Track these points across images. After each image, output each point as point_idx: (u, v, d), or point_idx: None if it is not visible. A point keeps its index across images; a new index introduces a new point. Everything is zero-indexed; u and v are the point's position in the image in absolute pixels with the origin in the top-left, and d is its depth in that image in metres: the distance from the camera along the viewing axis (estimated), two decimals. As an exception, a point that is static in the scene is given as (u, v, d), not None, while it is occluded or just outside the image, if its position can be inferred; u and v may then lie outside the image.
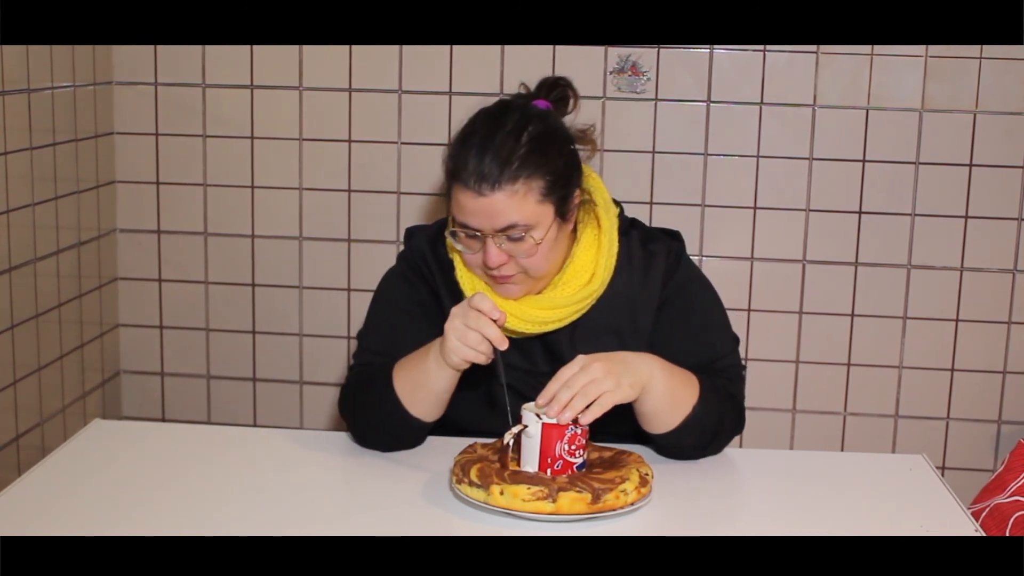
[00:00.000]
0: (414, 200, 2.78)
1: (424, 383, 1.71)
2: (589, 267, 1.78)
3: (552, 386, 1.58)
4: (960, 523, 1.58)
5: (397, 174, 2.77)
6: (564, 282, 1.77)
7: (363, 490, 1.66)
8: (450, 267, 1.84)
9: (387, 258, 2.79)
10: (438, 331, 1.79)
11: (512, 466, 1.59)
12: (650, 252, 1.83)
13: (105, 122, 2.77)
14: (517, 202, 1.66)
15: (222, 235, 2.84)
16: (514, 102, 1.78)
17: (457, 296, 1.82)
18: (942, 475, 1.98)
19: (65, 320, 2.62)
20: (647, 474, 1.58)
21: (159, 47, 2.76)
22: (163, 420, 2.92)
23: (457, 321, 1.63)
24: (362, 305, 2.82)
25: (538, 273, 1.74)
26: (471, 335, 1.62)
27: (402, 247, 1.98)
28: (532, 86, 1.85)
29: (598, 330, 1.81)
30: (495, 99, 1.81)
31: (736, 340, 1.86)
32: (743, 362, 1.87)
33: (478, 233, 1.69)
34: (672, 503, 1.60)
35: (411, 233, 1.94)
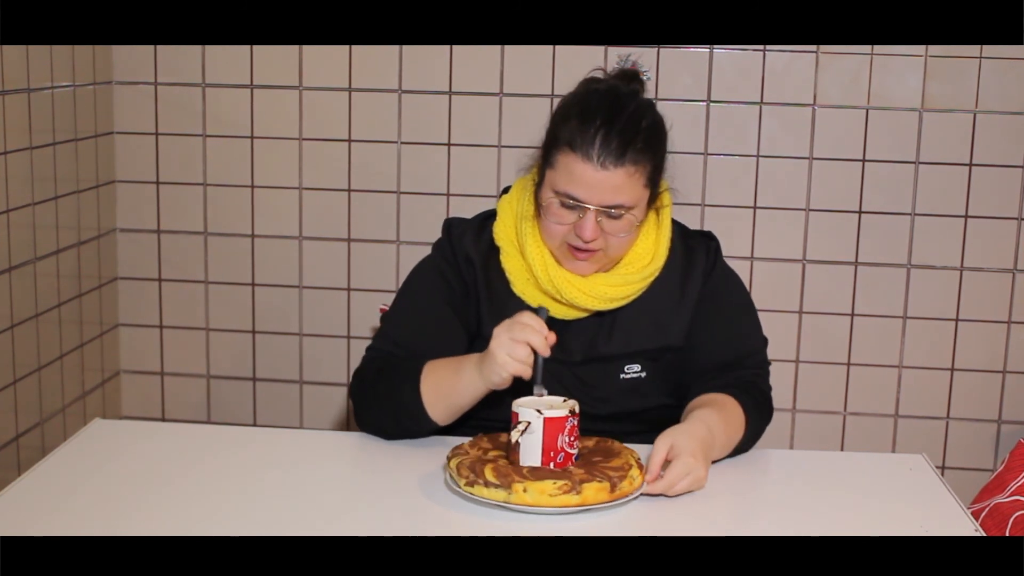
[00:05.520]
0: (414, 200, 2.78)
1: (452, 397, 1.74)
2: (650, 249, 1.83)
3: (656, 469, 1.60)
4: (960, 523, 1.58)
5: (397, 174, 2.77)
6: (627, 262, 1.82)
7: (363, 490, 1.66)
8: (494, 255, 1.86)
9: (387, 257, 2.80)
10: (464, 330, 1.84)
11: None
12: (690, 247, 1.89)
13: (105, 122, 2.77)
14: (630, 182, 1.72)
15: (222, 235, 2.84)
16: (619, 87, 1.81)
17: (496, 287, 1.85)
18: (942, 475, 1.98)
19: (65, 320, 2.62)
20: (639, 458, 1.63)
21: (159, 47, 2.76)
22: (163, 420, 2.92)
23: (504, 337, 1.65)
24: (362, 304, 2.83)
25: (618, 253, 1.79)
26: (519, 348, 1.64)
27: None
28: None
29: (638, 314, 1.85)
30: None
31: (765, 341, 1.92)
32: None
33: (582, 204, 1.72)
34: (673, 503, 1.60)
35: (452, 224, 1.94)
